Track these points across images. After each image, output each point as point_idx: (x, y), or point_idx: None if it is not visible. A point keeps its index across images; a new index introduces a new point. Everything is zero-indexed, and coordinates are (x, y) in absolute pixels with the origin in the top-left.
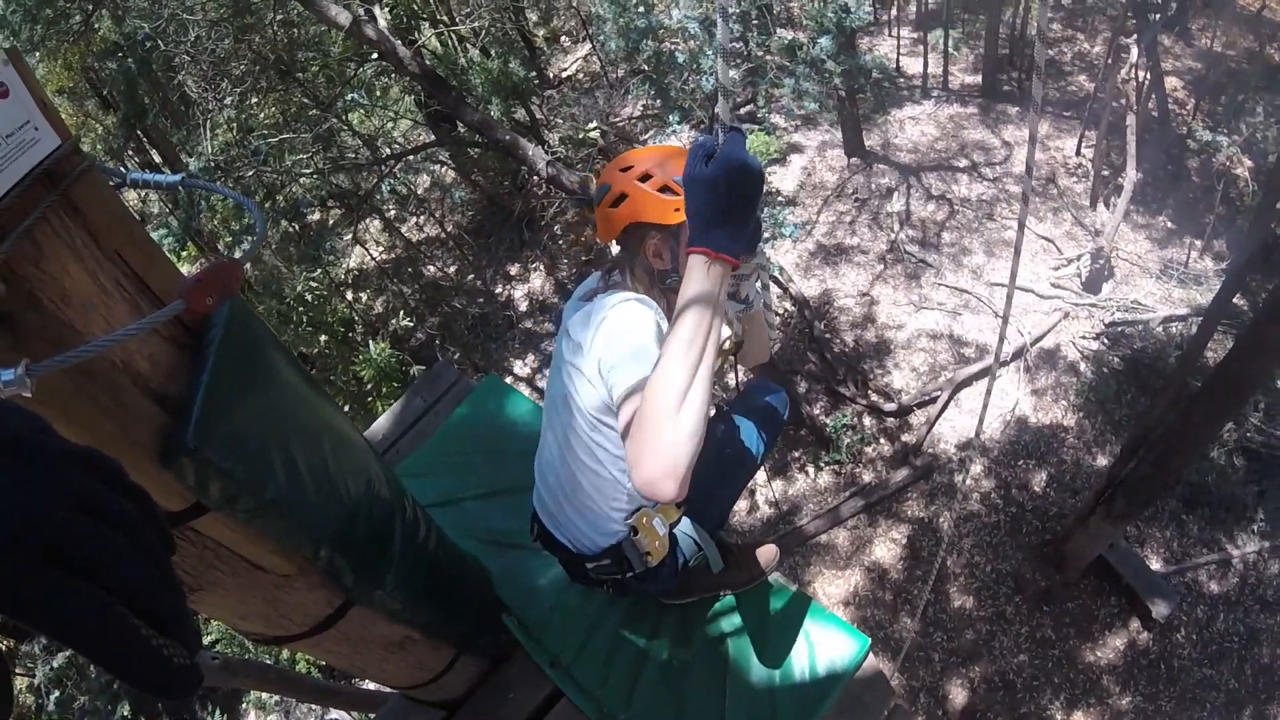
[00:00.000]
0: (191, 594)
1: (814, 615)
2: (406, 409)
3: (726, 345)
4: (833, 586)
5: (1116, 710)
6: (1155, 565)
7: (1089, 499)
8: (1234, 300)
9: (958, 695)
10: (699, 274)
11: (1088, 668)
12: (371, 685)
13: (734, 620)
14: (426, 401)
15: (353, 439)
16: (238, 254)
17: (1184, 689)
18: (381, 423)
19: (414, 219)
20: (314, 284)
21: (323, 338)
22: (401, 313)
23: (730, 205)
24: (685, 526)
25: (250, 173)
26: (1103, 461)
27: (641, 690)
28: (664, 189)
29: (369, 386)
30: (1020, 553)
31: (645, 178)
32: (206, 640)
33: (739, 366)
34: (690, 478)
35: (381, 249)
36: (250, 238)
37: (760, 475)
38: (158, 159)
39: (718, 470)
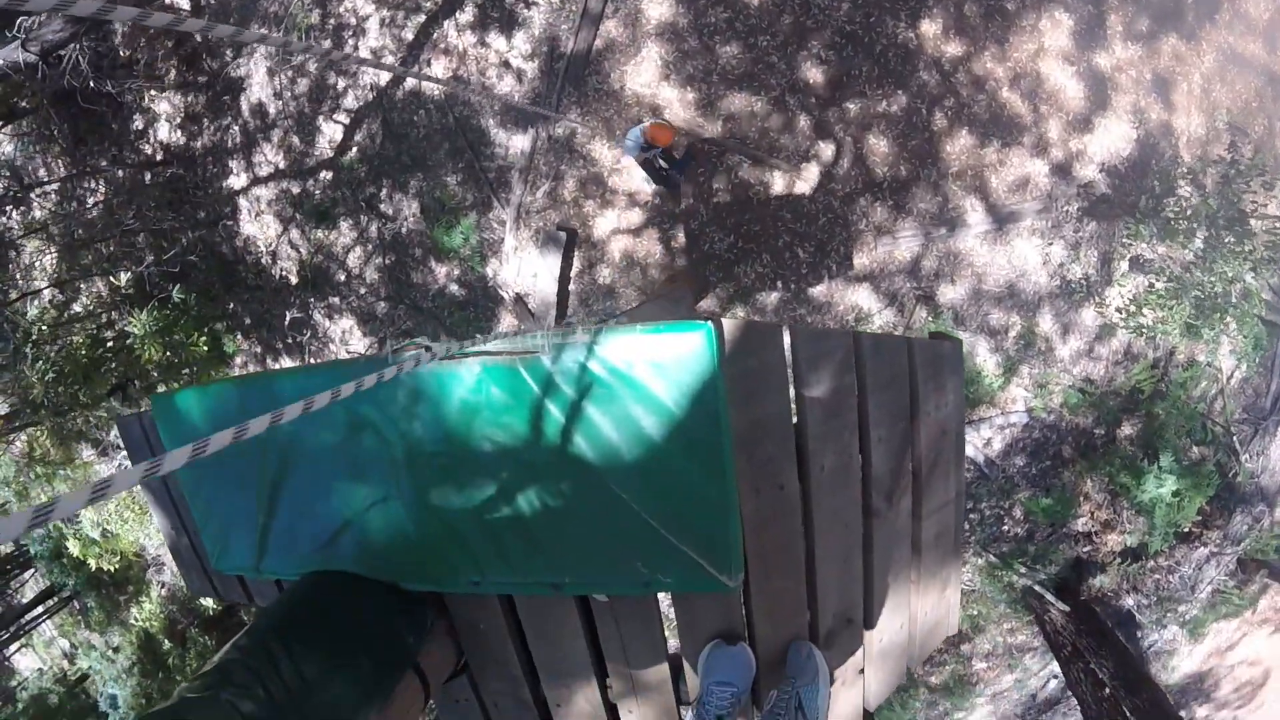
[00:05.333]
0: None
1: (638, 341)
2: (158, 494)
3: None
4: (642, 74)
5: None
6: None
7: None
8: None
9: (811, 76)
10: None
11: None
12: None
13: (562, 416)
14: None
15: None
16: None
17: None
18: (162, 529)
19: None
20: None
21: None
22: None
23: None
24: None
25: None
26: None
27: (551, 551)
28: None
29: (177, 359)
30: None
31: None
32: None
33: None
34: None
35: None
36: None
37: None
38: None
39: None
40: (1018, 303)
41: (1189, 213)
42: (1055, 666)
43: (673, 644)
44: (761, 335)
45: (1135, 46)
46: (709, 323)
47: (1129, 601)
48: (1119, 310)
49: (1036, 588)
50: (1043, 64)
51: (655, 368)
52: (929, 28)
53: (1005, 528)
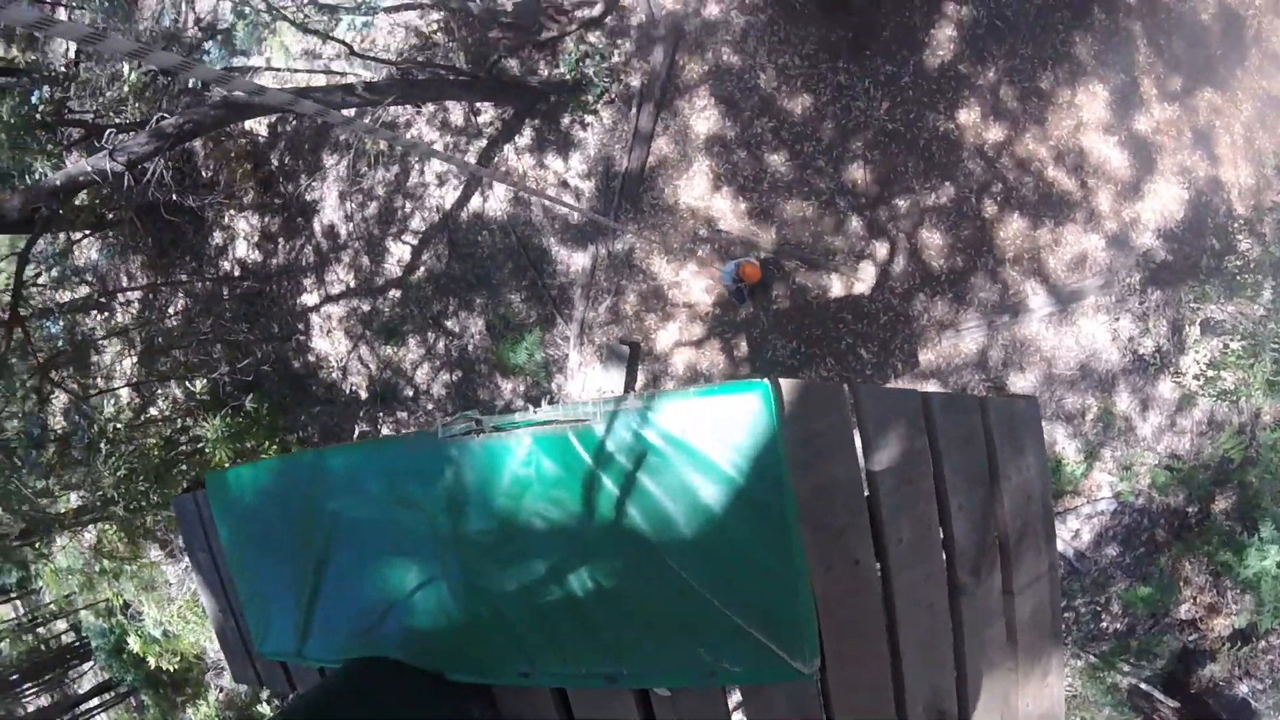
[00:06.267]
0: None
1: (692, 404)
2: (208, 574)
3: None
4: (694, 187)
5: (991, 80)
6: None
7: None
8: None
9: (859, 176)
10: None
11: (944, 69)
12: None
13: (615, 487)
14: (206, 548)
15: None
16: None
17: (1036, 30)
18: (209, 611)
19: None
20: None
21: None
22: (183, 383)
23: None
24: None
25: None
26: None
27: (605, 634)
28: None
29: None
30: (810, 25)
31: None
32: None
33: None
34: None
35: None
36: None
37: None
38: None
39: None
40: (1092, 383)
41: (1253, 265)
42: None
43: None
44: (823, 395)
45: (1172, 106)
46: (766, 381)
47: (1243, 688)
48: (1196, 377)
49: (1143, 686)
50: (1084, 138)
51: (711, 431)
52: (968, 117)
53: (1104, 624)
